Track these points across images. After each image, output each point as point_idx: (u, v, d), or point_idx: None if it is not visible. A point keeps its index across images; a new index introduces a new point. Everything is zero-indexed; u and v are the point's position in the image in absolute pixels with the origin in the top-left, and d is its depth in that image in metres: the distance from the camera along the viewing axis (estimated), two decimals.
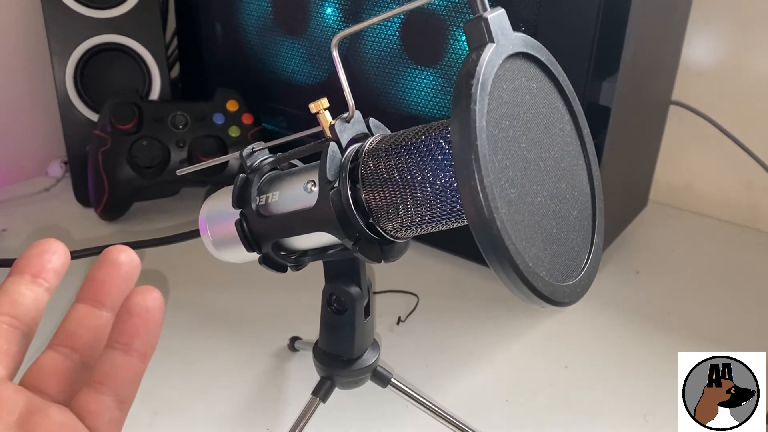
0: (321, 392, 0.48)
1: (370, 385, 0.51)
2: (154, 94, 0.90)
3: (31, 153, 0.96)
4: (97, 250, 0.72)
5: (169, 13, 0.98)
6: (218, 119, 0.84)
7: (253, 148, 0.45)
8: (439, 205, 0.37)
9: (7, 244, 0.80)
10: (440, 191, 0.37)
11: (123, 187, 0.81)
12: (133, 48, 0.88)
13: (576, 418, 0.57)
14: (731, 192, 0.90)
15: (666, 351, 0.66)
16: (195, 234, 0.48)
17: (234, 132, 0.84)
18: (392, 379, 0.50)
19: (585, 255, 0.38)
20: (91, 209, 0.85)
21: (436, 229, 0.39)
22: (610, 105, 0.64)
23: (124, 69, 0.89)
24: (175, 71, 1.01)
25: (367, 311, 0.47)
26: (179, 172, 0.49)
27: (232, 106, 0.85)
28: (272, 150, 0.46)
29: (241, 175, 0.44)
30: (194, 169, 0.48)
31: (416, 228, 0.39)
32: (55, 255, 0.31)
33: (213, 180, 0.84)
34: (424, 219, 0.38)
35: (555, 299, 0.34)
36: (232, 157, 0.46)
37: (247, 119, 0.85)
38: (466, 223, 0.38)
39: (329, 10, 0.78)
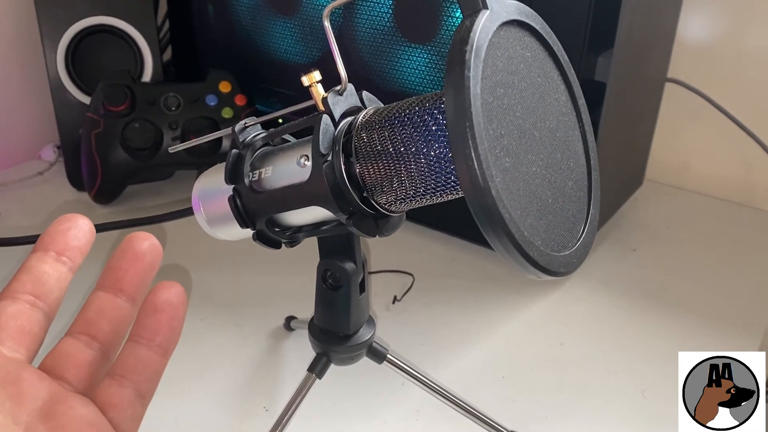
0: (317, 368, 0.48)
1: (366, 362, 0.51)
2: (147, 77, 0.89)
3: (23, 137, 0.95)
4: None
5: None
6: (211, 101, 0.83)
7: (245, 123, 0.45)
8: (433, 177, 0.37)
9: (1, 229, 0.80)
10: (434, 162, 0.36)
11: (116, 170, 0.81)
12: (124, 30, 0.87)
13: (573, 395, 0.57)
14: (728, 170, 0.90)
15: (663, 328, 0.66)
16: (188, 212, 0.47)
17: (227, 113, 0.83)
18: (388, 356, 0.50)
19: (581, 226, 0.38)
20: (85, 193, 0.84)
21: (431, 202, 0.39)
22: (605, 81, 0.64)
23: (116, 51, 0.88)
24: (168, 55, 1.00)
25: (362, 287, 0.47)
26: (171, 149, 0.48)
27: (224, 87, 0.84)
28: (265, 126, 0.46)
29: (234, 150, 0.44)
30: (186, 146, 0.47)
31: (411, 201, 0.39)
32: (81, 232, 0.31)
33: (206, 162, 0.83)
34: (419, 191, 0.38)
35: (551, 269, 0.34)
36: (224, 133, 0.45)
37: (240, 100, 0.84)
38: (461, 195, 0.38)
39: None
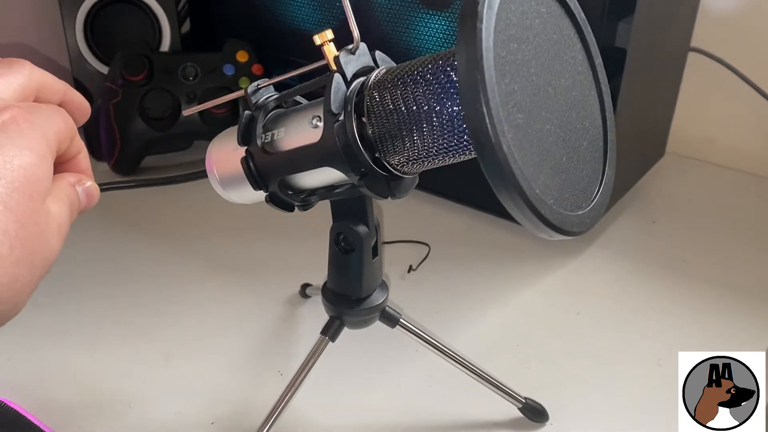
0: (330, 331, 0.48)
1: (380, 328, 0.51)
2: (165, 47, 0.89)
3: None
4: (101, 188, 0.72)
5: None
6: (228, 70, 0.84)
7: (258, 84, 0.44)
8: (446, 136, 0.36)
9: None
10: (447, 121, 0.36)
11: (135, 139, 0.81)
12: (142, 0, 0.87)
13: (588, 363, 0.57)
14: (751, 142, 0.88)
15: (680, 299, 0.65)
16: (203, 174, 0.47)
17: (244, 83, 0.84)
18: (401, 320, 0.50)
19: (595, 186, 0.37)
20: (104, 163, 0.85)
21: (444, 163, 0.39)
22: (625, 47, 0.63)
23: (134, 21, 0.88)
24: (186, 27, 1.00)
25: (375, 251, 0.47)
26: (185, 112, 0.48)
27: (242, 56, 0.84)
28: (278, 88, 0.46)
29: (246, 112, 0.44)
30: (199, 109, 0.47)
31: (423, 161, 0.39)
32: None
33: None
34: (431, 151, 0.38)
35: (563, 228, 0.33)
36: (237, 96, 0.45)
37: (257, 70, 0.84)
38: (474, 155, 0.37)
39: None
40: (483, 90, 0.30)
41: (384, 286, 0.49)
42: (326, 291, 0.49)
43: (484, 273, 0.69)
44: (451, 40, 0.70)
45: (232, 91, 0.83)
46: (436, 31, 0.71)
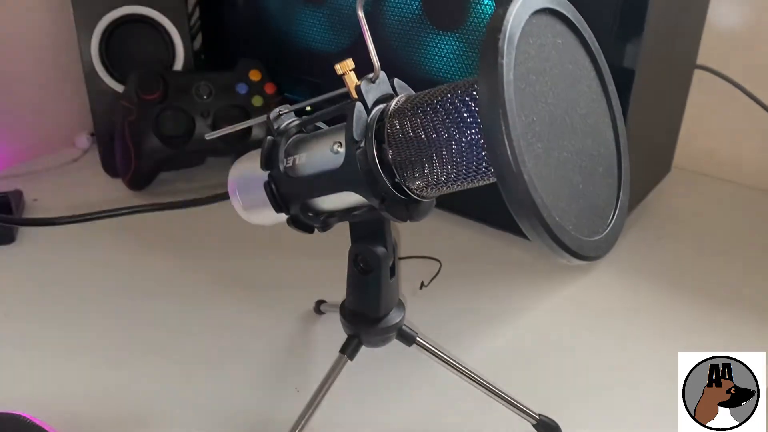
0: (348, 350, 0.49)
1: (394, 345, 0.52)
2: (178, 65, 0.90)
3: (58, 125, 0.98)
4: (115, 212, 0.73)
5: None
6: (241, 89, 0.85)
7: (279, 111, 0.46)
8: (465, 163, 0.38)
9: (39, 214, 0.82)
10: (466, 148, 0.37)
11: (150, 157, 0.82)
12: (156, 19, 0.89)
13: (600, 379, 0.58)
14: (757, 157, 0.89)
15: (690, 316, 0.66)
16: (224, 197, 0.48)
17: (257, 101, 0.85)
18: (417, 338, 0.51)
19: (611, 211, 0.39)
20: (118, 179, 0.87)
21: (462, 188, 0.40)
22: (634, 67, 0.64)
23: (148, 40, 0.90)
24: (197, 43, 1.01)
25: (393, 271, 0.48)
26: (208, 137, 0.49)
27: (254, 75, 0.86)
28: (298, 113, 0.47)
29: (269, 137, 0.45)
30: (223, 133, 0.49)
31: (442, 186, 0.40)
32: None
33: (237, 149, 0.85)
34: (450, 177, 0.39)
35: (582, 253, 0.34)
36: (259, 121, 0.46)
37: (269, 89, 0.86)
38: (491, 181, 0.39)
39: None
40: (505, 122, 0.31)
41: (401, 305, 0.50)
42: (344, 310, 0.50)
43: (495, 289, 0.70)
44: (462, 59, 0.71)
45: (245, 109, 0.85)
46: (447, 52, 0.72)
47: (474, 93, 0.37)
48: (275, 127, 0.45)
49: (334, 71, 0.41)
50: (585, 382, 0.58)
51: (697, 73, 0.86)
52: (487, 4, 0.68)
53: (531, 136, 0.33)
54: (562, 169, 0.35)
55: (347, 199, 0.43)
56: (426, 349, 0.52)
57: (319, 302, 0.65)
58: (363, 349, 0.50)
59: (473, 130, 0.37)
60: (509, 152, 0.31)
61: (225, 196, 0.49)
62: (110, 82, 0.88)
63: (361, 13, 0.39)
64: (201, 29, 1.00)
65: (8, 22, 0.89)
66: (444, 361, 0.52)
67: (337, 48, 0.82)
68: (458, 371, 0.52)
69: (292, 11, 0.85)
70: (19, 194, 0.82)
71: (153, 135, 0.82)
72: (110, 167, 0.89)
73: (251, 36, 0.92)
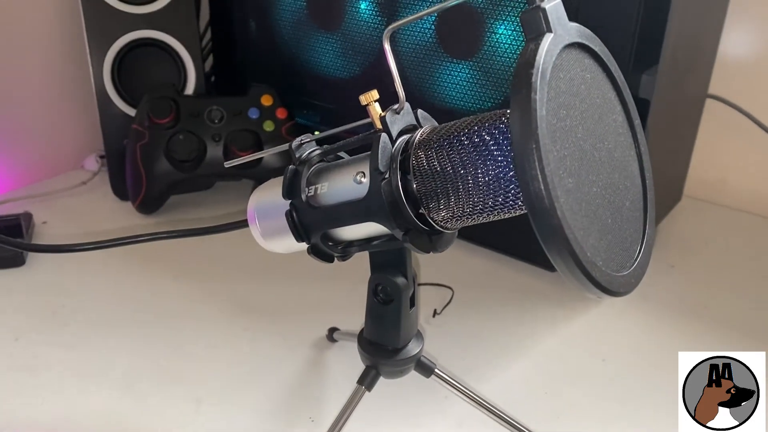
0: (366, 381, 0.49)
1: (410, 375, 0.51)
2: (189, 89, 0.91)
3: (68, 147, 0.98)
4: (134, 239, 0.72)
5: (201, 8, 0.99)
6: (253, 114, 0.85)
7: (301, 140, 0.46)
8: (491, 196, 0.37)
9: (48, 236, 0.82)
10: (493, 182, 0.37)
11: (161, 181, 0.82)
12: (168, 43, 0.89)
13: (617, 410, 0.57)
14: (766, 185, 0.89)
15: (703, 344, 0.65)
16: (242, 224, 0.48)
17: (269, 126, 0.85)
18: (436, 370, 0.51)
19: (638, 246, 0.38)
20: (128, 202, 0.86)
21: (486, 220, 0.40)
22: (649, 98, 0.64)
23: (160, 64, 0.90)
24: (208, 65, 1.02)
25: (413, 302, 0.48)
26: (227, 164, 0.49)
27: (266, 100, 0.86)
28: (319, 142, 0.47)
29: (291, 166, 0.45)
30: (241, 162, 0.48)
31: (467, 218, 0.40)
32: None
33: (248, 174, 0.86)
34: (476, 209, 0.39)
35: (611, 289, 0.34)
36: (282, 149, 0.46)
37: (281, 114, 0.86)
38: (516, 214, 0.38)
39: (364, 4, 0.79)
40: (539, 158, 0.31)
41: (419, 336, 0.50)
42: (362, 340, 0.49)
43: (508, 317, 0.69)
44: (476, 87, 0.71)
45: (256, 134, 0.85)
46: (461, 80, 0.72)
47: (502, 126, 0.37)
48: (297, 155, 0.45)
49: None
50: (602, 414, 0.57)
51: (709, 103, 0.87)
52: (501, 33, 0.68)
53: (563, 171, 0.32)
54: (593, 204, 0.35)
55: (369, 229, 0.43)
56: (444, 381, 0.51)
57: (332, 330, 0.64)
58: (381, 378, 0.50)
59: (501, 164, 0.37)
60: (542, 187, 0.31)
61: (243, 224, 0.48)
62: (122, 106, 0.88)
63: (387, 46, 0.39)
64: (212, 52, 1.00)
65: (21, 45, 0.89)
66: (462, 393, 0.51)
67: (349, 74, 0.82)
68: (476, 403, 0.51)
69: (305, 37, 0.85)
70: (29, 217, 0.82)
71: (164, 159, 0.82)
72: (120, 190, 0.89)
73: (263, 60, 0.93)
